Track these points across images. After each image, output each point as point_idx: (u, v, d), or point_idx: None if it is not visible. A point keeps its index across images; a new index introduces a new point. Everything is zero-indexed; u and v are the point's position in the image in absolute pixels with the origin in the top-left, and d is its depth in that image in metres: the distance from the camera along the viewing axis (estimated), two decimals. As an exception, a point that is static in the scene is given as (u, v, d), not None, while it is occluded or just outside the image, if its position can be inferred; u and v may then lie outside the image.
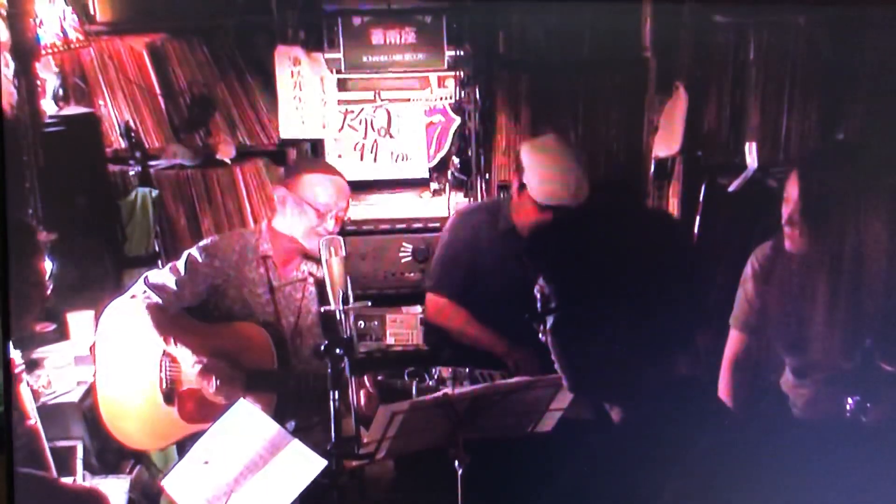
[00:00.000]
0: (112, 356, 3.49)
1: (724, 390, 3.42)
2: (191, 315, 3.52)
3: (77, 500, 3.09)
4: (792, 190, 3.14)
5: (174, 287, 3.45)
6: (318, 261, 3.34)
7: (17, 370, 2.99)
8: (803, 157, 4.29)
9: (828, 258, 3.08)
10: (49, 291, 2.99)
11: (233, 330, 3.51)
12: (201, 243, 3.57)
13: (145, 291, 3.43)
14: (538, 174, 3.75)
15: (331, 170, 3.66)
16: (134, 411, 3.48)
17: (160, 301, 3.42)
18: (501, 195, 4.50)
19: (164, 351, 3.43)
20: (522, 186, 3.78)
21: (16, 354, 2.98)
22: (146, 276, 3.49)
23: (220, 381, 3.36)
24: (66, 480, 3.28)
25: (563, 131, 4.54)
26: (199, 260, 3.50)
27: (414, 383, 3.43)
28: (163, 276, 3.48)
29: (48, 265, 3.25)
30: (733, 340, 3.43)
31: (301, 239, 3.53)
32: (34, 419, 3.03)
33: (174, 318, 3.44)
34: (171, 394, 3.47)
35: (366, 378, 3.33)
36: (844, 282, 3.07)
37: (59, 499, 3.04)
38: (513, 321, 3.73)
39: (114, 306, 3.48)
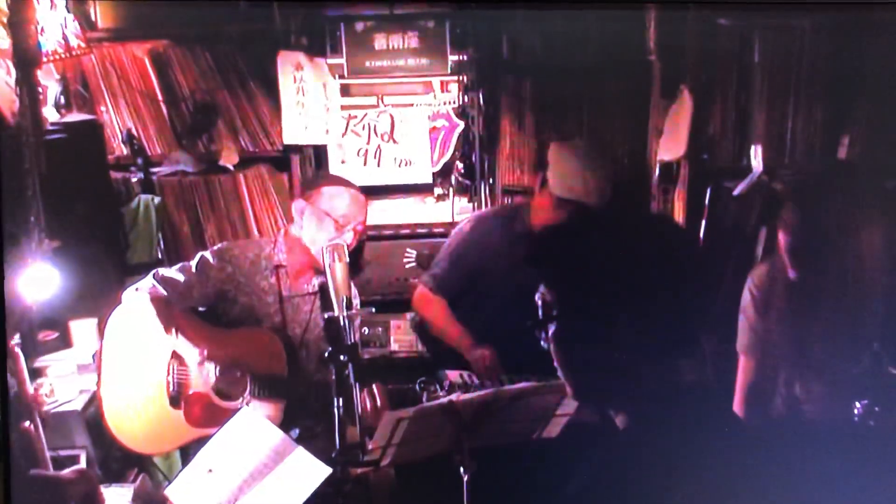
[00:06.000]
0: (119, 357, 3.49)
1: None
2: (201, 318, 3.52)
3: (69, 484, 3.07)
4: (789, 220, 3.14)
5: (182, 285, 3.47)
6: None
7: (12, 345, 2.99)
8: (797, 187, 4.25)
9: (832, 279, 3.08)
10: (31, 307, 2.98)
11: (244, 335, 3.51)
12: (216, 247, 3.59)
13: (153, 285, 3.44)
14: (561, 169, 3.81)
15: (349, 184, 3.65)
16: (140, 414, 3.48)
17: (166, 294, 3.43)
18: (508, 200, 4.50)
19: (172, 353, 3.44)
20: (544, 182, 3.82)
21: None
22: (155, 271, 3.51)
23: (220, 368, 3.35)
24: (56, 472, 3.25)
25: (568, 136, 4.52)
26: (212, 263, 3.51)
27: (424, 394, 3.43)
28: (172, 272, 3.50)
29: (47, 274, 3.23)
30: (744, 367, 3.38)
31: (316, 252, 3.52)
32: (29, 422, 3.02)
33: (183, 316, 3.45)
34: (178, 397, 3.47)
35: (375, 387, 3.31)
36: (849, 294, 3.06)
37: (51, 488, 3.03)
38: (514, 322, 3.73)
39: (121, 301, 3.48)
